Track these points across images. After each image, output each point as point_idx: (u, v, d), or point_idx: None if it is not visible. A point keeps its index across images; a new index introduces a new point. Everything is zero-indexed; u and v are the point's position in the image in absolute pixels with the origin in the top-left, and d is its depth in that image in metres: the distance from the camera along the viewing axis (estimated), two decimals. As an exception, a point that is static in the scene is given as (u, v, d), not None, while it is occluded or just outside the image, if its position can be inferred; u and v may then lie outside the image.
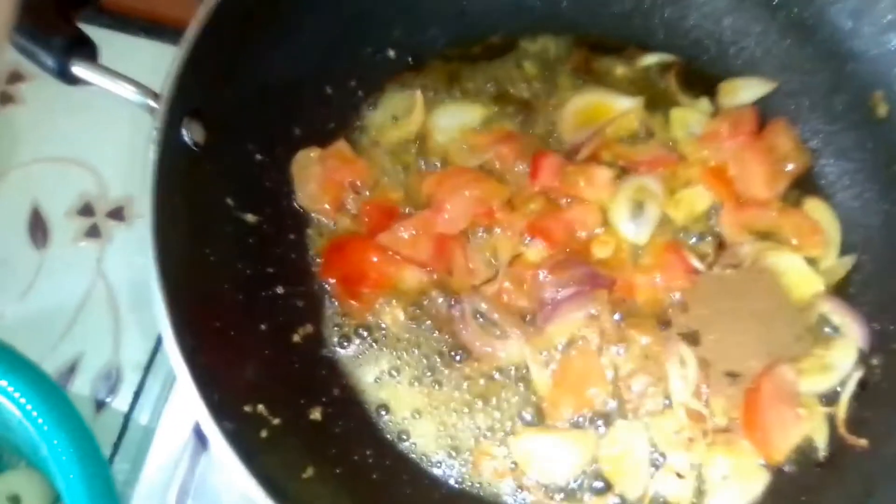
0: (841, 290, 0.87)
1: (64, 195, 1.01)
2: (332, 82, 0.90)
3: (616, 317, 0.84)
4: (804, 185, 0.91)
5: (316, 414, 0.80)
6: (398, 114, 0.92)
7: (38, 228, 0.99)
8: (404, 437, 0.82)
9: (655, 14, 0.95)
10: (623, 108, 0.92)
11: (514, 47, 0.96)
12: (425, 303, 0.85)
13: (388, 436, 0.82)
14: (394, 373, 0.84)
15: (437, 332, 0.84)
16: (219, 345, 0.72)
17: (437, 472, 0.81)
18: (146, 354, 0.92)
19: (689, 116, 0.92)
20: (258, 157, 0.84)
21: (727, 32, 0.95)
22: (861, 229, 0.88)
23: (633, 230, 0.87)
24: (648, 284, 0.85)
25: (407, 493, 0.80)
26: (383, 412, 0.83)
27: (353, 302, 0.85)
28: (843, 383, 0.83)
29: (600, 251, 0.86)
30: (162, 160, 0.69)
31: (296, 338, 0.83)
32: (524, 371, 0.83)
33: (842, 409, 0.82)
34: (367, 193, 0.89)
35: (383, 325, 0.85)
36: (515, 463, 0.81)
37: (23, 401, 0.77)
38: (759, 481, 0.81)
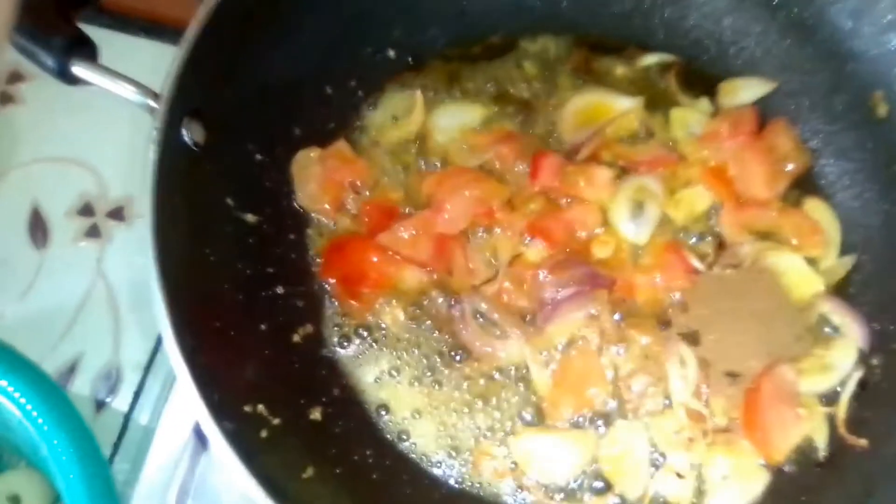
0: (841, 290, 0.87)
1: (64, 195, 1.01)
2: (332, 82, 0.90)
3: (616, 317, 0.84)
4: (804, 185, 0.91)
5: (316, 414, 0.80)
6: (398, 114, 0.92)
7: (38, 228, 0.99)
8: (404, 437, 0.82)
9: (655, 14, 0.95)
10: (623, 108, 0.92)
11: (514, 47, 0.96)
12: (425, 303, 0.85)
13: (388, 436, 0.82)
14: (394, 373, 0.84)
15: (437, 332, 0.84)
16: (219, 345, 0.72)
17: (437, 472, 0.81)
18: (146, 354, 0.92)
19: (689, 116, 0.92)
20: (258, 157, 0.84)
21: (727, 32, 0.94)
22: (861, 229, 0.88)
23: (634, 230, 0.87)
24: (648, 284, 0.85)
25: (407, 493, 0.80)
26: (383, 412, 0.83)
27: (353, 302, 0.85)
28: (843, 383, 0.83)
29: (600, 251, 0.86)
30: (162, 160, 0.69)
31: (296, 338, 0.83)
32: (524, 371, 0.83)
33: (842, 409, 0.82)
34: (367, 193, 0.89)
35: (383, 325, 0.85)
36: (515, 463, 0.81)
37: (23, 401, 0.77)
38: (759, 481, 0.81)
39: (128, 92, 0.72)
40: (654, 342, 0.83)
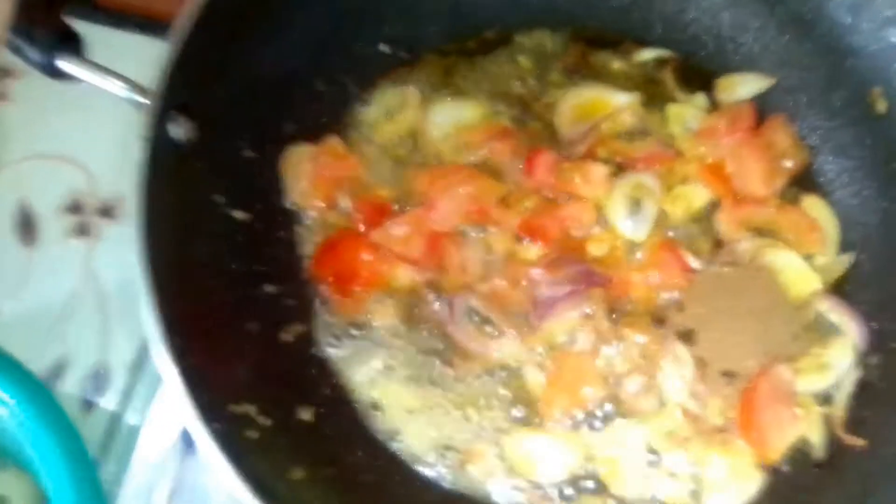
0: (839, 288, 0.86)
1: (53, 193, 1.00)
2: (323, 78, 0.89)
3: (611, 315, 0.84)
4: (802, 182, 0.90)
5: (306, 414, 0.79)
6: (391, 110, 0.91)
7: (26, 226, 0.98)
8: (396, 437, 0.82)
9: (654, 8, 0.94)
10: (619, 103, 0.91)
11: (510, 42, 0.95)
12: (418, 301, 0.84)
13: (380, 436, 0.82)
14: (385, 372, 0.83)
15: (429, 330, 0.84)
16: (207, 345, 0.71)
17: (429, 472, 0.81)
18: (135, 354, 0.91)
19: (687, 112, 0.91)
20: (248, 153, 0.83)
21: (725, 27, 0.94)
22: (859, 227, 0.88)
23: (631, 227, 0.86)
24: (644, 283, 0.85)
25: (399, 494, 0.79)
26: (375, 412, 0.82)
27: (344, 300, 0.84)
28: (840, 383, 0.83)
29: (595, 249, 0.85)
30: (150, 157, 0.68)
31: (286, 337, 0.82)
32: (518, 370, 0.83)
33: (840, 409, 0.82)
34: (360, 190, 0.88)
35: (375, 324, 0.84)
36: (508, 463, 0.80)
37: (10, 401, 0.76)
38: (756, 481, 0.80)
39: (115, 87, 0.71)
40: (649, 341, 0.82)
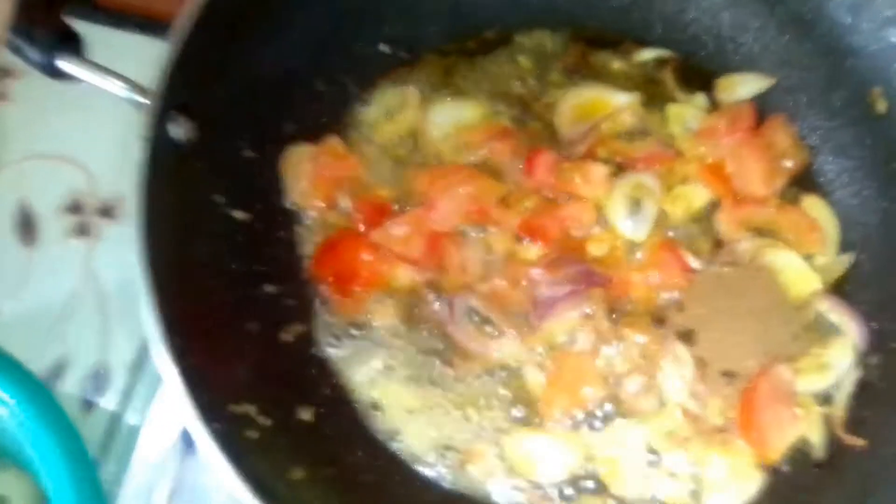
0: (839, 288, 0.86)
1: (54, 193, 1.00)
2: (323, 78, 0.89)
3: (611, 315, 0.83)
4: (802, 182, 0.90)
5: (306, 414, 0.79)
6: (392, 110, 0.91)
7: (26, 226, 0.98)
8: (396, 436, 0.81)
9: (654, 8, 0.94)
10: (620, 103, 0.91)
11: (510, 42, 0.95)
12: (418, 301, 0.84)
13: (380, 436, 0.81)
14: (385, 372, 0.83)
15: (429, 330, 0.84)
16: (207, 345, 0.71)
17: (429, 472, 0.81)
18: (135, 354, 0.91)
19: (686, 112, 0.91)
20: (248, 153, 0.83)
21: (725, 27, 0.94)
22: (859, 227, 0.87)
23: (631, 227, 0.86)
24: (644, 283, 0.85)
25: (399, 494, 0.79)
26: (375, 412, 0.82)
27: (344, 300, 0.84)
28: (840, 383, 0.83)
29: (595, 249, 0.85)
30: (150, 157, 0.68)
31: (286, 337, 0.82)
32: (518, 370, 0.83)
33: (840, 409, 0.82)
34: (360, 190, 0.88)
35: (375, 324, 0.84)
36: (508, 463, 0.80)
37: (10, 401, 0.76)
38: (756, 481, 0.80)
39: (115, 87, 0.71)
40: (649, 341, 0.82)
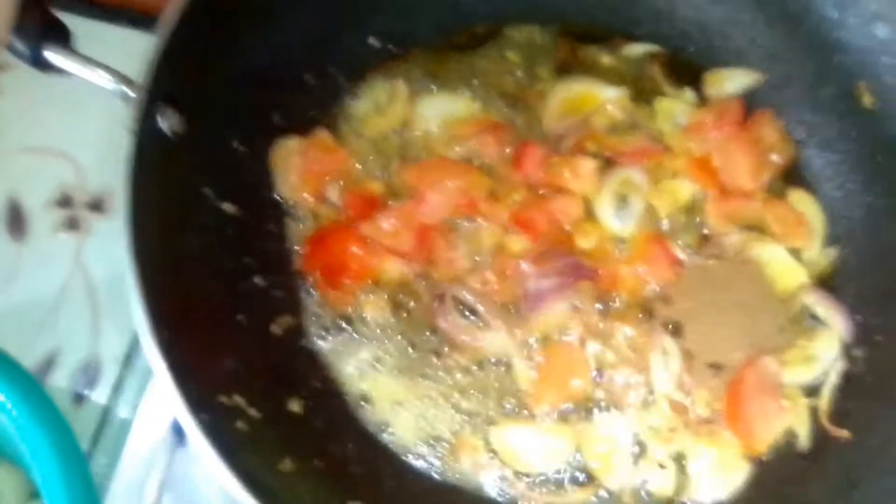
0: (824, 281, 0.87)
1: (43, 186, 0.99)
2: (312, 71, 0.89)
3: (600, 308, 0.84)
4: (789, 176, 0.90)
5: (296, 406, 0.79)
6: (381, 103, 0.91)
7: (15, 220, 0.98)
8: (386, 428, 0.82)
9: (643, 3, 0.95)
10: (608, 98, 0.91)
11: (499, 37, 0.95)
12: (407, 294, 0.85)
13: (370, 427, 0.82)
14: (375, 364, 0.83)
15: (418, 323, 0.84)
16: (196, 337, 0.71)
17: (419, 464, 0.81)
18: (126, 347, 0.91)
19: (675, 107, 0.92)
20: (237, 146, 0.83)
21: (714, 23, 0.94)
22: (844, 221, 0.88)
23: (619, 223, 0.87)
24: (632, 275, 0.85)
25: (389, 486, 0.79)
26: (364, 404, 0.83)
27: (334, 293, 0.84)
28: (826, 375, 0.83)
29: (584, 242, 0.86)
30: (137, 149, 0.68)
31: (275, 329, 0.82)
32: (507, 362, 0.83)
33: (825, 401, 0.82)
34: (349, 183, 0.88)
35: (365, 316, 0.84)
36: (498, 455, 0.81)
37: (0, 396, 0.76)
38: (742, 472, 0.81)
39: (102, 79, 0.71)
40: (637, 334, 0.83)
